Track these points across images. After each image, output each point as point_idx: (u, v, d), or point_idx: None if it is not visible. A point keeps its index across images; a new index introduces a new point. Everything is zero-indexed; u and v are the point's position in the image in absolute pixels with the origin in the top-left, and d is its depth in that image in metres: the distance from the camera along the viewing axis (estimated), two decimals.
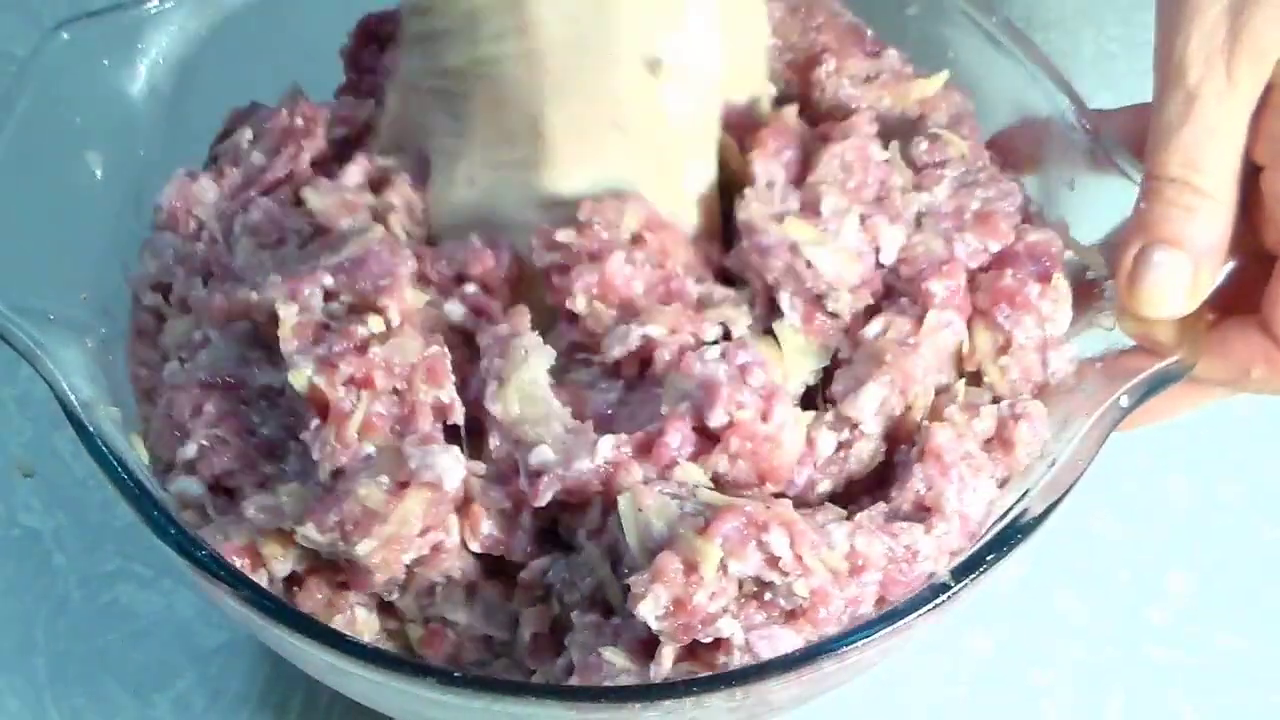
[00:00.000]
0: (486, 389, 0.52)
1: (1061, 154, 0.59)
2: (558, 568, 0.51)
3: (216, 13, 0.61)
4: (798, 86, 0.61)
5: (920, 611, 0.48)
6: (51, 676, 0.64)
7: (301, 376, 0.51)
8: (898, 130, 0.59)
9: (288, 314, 0.52)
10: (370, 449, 0.50)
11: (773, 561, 0.47)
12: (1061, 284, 0.55)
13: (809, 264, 0.54)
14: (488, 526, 0.51)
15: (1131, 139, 0.56)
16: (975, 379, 0.55)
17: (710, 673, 0.47)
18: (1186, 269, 0.52)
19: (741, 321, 0.54)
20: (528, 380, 0.52)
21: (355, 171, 0.59)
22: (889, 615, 0.48)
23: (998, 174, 0.59)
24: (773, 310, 0.55)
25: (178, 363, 0.56)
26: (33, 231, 0.55)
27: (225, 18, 0.61)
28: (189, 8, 0.60)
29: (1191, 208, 0.51)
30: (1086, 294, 0.56)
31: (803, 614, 0.48)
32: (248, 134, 0.61)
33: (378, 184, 0.59)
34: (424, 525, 0.49)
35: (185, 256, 0.59)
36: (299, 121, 0.60)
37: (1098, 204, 0.57)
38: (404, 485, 0.49)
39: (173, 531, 0.48)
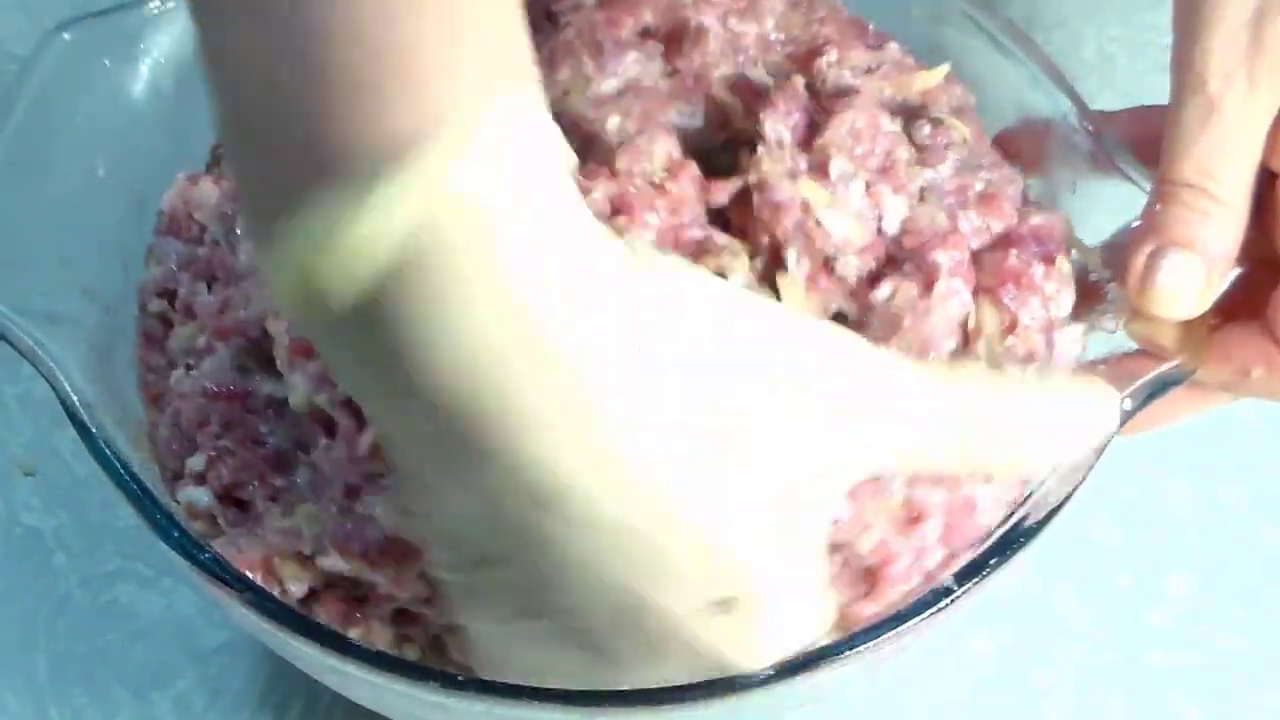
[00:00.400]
0: None
1: (1063, 156, 0.59)
2: None
3: None
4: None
5: (923, 615, 0.47)
6: (52, 676, 0.64)
7: (300, 396, 0.50)
8: (900, 116, 0.59)
9: (279, 331, 0.51)
10: (381, 466, 0.49)
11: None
12: (1065, 266, 0.55)
13: (819, 223, 0.53)
14: None
15: (1134, 140, 0.56)
16: None
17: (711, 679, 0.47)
18: (1200, 272, 0.52)
19: (739, 271, 0.53)
20: None
21: None
22: (892, 620, 0.47)
23: (1000, 161, 0.59)
24: (777, 264, 0.54)
25: (184, 370, 0.56)
26: (34, 231, 0.55)
27: None
28: None
29: (1207, 213, 0.51)
30: (1090, 296, 0.56)
31: (874, 579, 0.48)
32: None
33: None
34: None
35: (189, 261, 0.58)
36: None
37: (1100, 206, 0.57)
38: None
39: (175, 534, 0.48)
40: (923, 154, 0.58)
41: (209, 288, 0.58)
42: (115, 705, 0.64)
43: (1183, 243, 0.52)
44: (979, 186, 0.57)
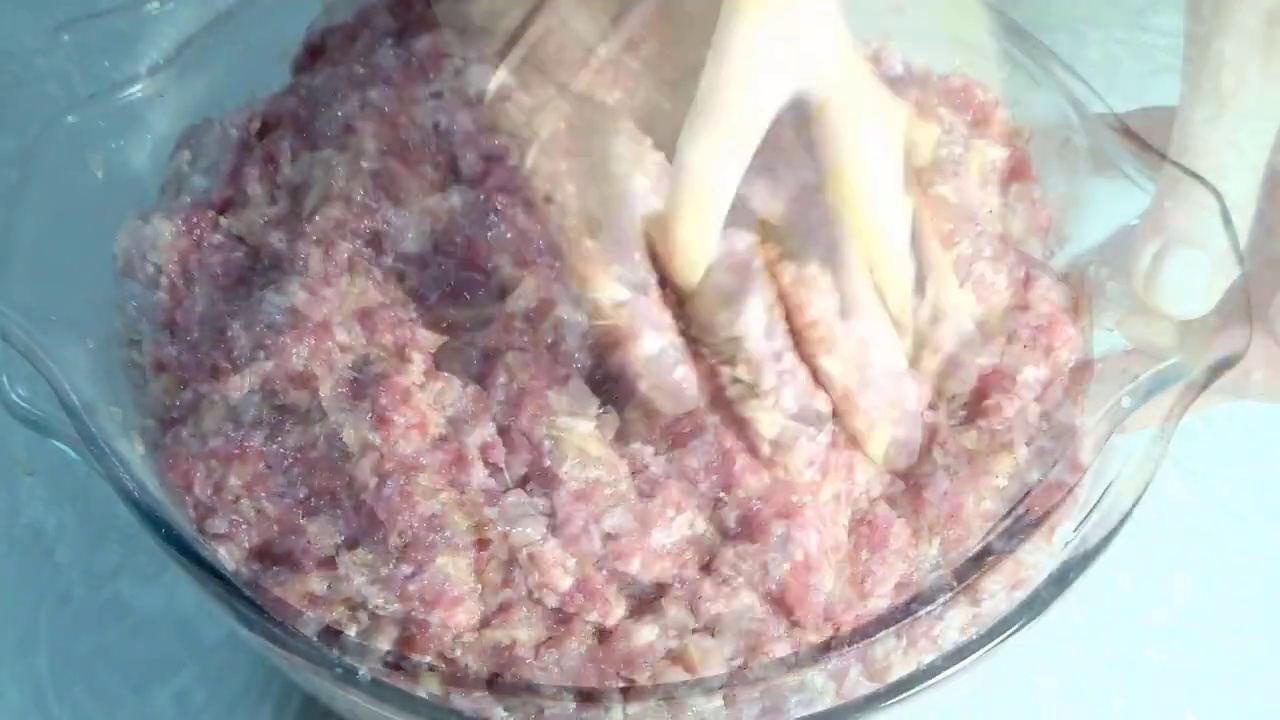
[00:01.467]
0: (544, 448, 0.50)
1: (1063, 156, 0.59)
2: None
3: (218, 14, 0.61)
4: None
5: (922, 613, 0.48)
6: (53, 671, 0.64)
7: (356, 434, 0.49)
8: None
9: (325, 373, 0.50)
10: (437, 506, 0.48)
11: None
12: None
13: None
14: (566, 582, 0.49)
15: (1136, 142, 0.56)
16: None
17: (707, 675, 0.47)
18: (1206, 269, 0.51)
19: None
20: (579, 440, 0.50)
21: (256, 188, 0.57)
22: (892, 616, 0.48)
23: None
24: None
25: (182, 428, 0.53)
26: (34, 233, 0.55)
27: (227, 19, 0.61)
28: (191, 8, 0.60)
29: (1215, 212, 0.51)
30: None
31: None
32: (186, 156, 0.59)
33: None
34: (499, 583, 0.48)
35: (147, 309, 0.56)
36: (233, 132, 0.59)
37: (1100, 206, 0.57)
38: (483, 545, 0.48)
39: (173, 533, 0.48)
40: None
41: (172, 335, 0.56)
42: (116, 700, 0.64)
43: (1190, 240, 0.51)
44: None
